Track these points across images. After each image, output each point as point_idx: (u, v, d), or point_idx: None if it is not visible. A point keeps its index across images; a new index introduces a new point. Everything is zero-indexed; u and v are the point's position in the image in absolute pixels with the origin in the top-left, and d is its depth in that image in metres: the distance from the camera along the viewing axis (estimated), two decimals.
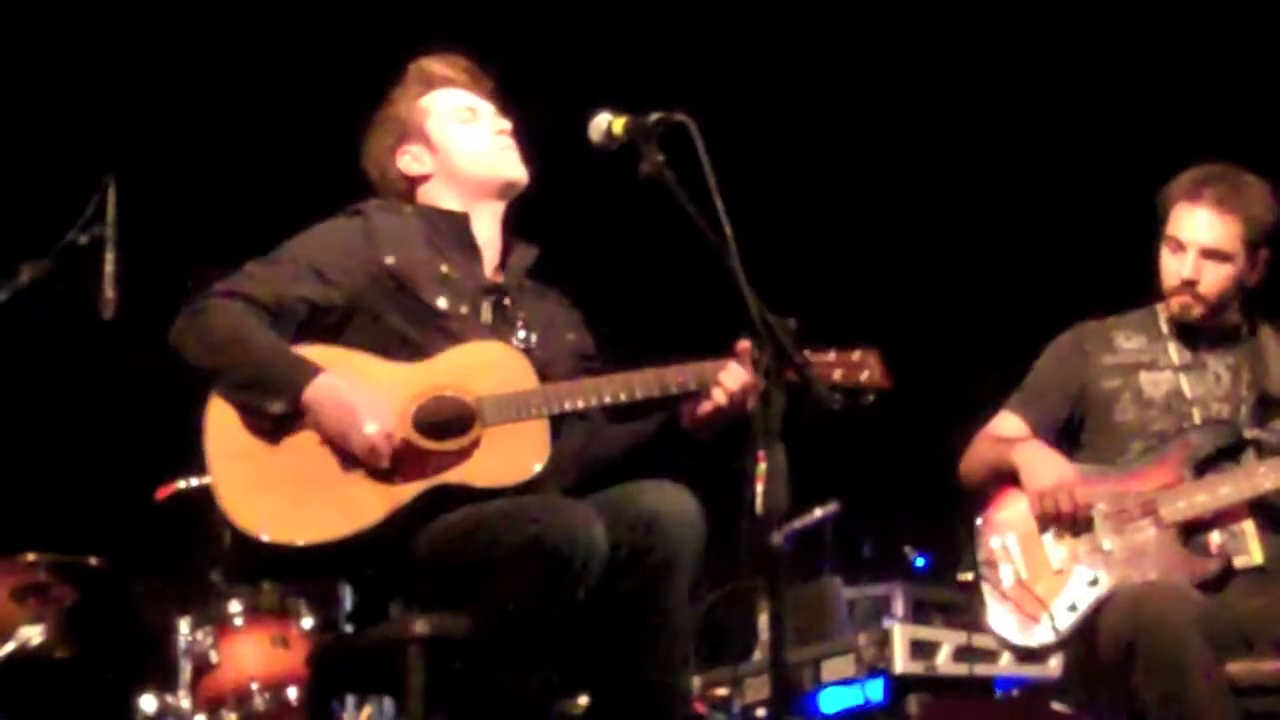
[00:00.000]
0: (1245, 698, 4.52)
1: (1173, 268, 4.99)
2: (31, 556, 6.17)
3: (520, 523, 3.93)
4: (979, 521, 5.03)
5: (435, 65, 4.58)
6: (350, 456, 4.09)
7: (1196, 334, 5.07)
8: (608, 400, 4.22)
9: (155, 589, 6.17)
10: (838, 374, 4.24)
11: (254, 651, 5.91)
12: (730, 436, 4.21)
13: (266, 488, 4.08)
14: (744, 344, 4.19)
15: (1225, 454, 4.92)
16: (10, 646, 5.99)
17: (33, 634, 6.04)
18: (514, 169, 4.50)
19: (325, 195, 4.39)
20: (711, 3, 7.70)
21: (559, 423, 4.25)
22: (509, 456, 4.15)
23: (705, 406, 4.23)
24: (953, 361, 7.37)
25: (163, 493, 6.03)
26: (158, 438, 4.22)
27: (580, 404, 4.22)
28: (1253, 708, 4.53)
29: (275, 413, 4.10)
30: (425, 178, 4.52)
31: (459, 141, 4.51)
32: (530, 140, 4.49)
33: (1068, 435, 5.09)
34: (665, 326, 4.33)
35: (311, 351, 4.21)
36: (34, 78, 7.19)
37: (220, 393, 4.15)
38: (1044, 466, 4.95)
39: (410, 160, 4.52)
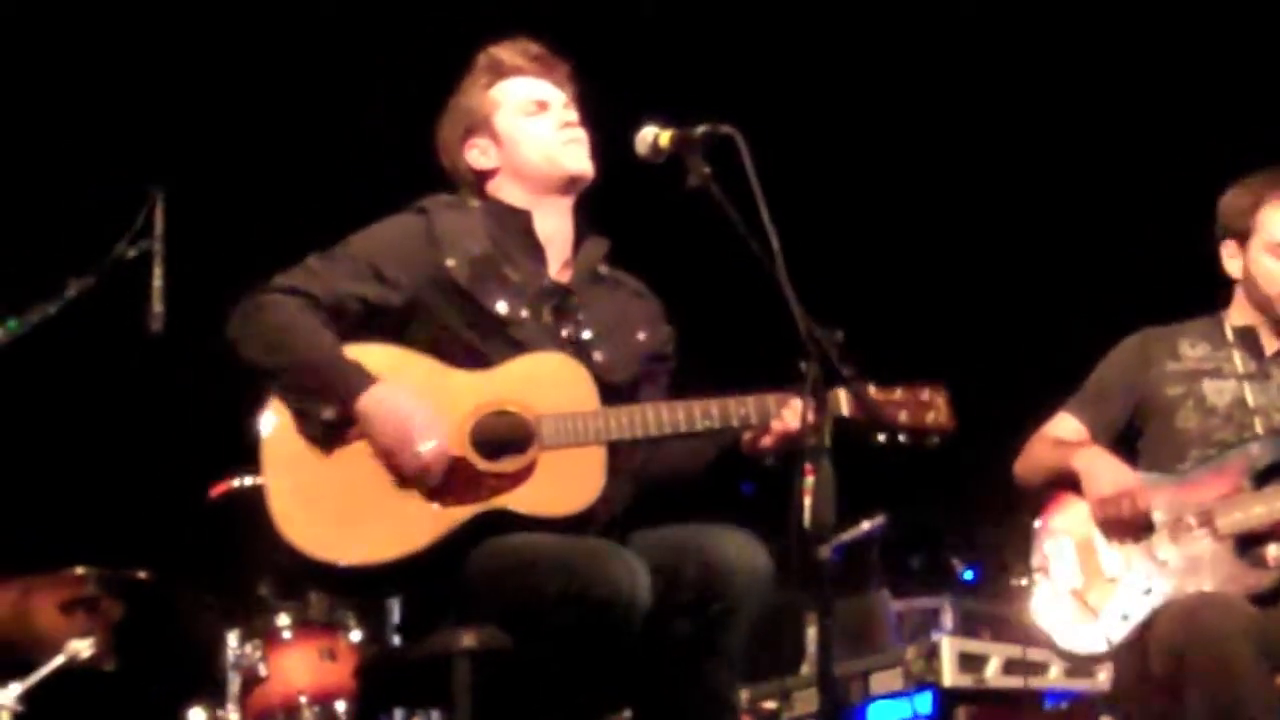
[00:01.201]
0: None
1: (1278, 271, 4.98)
2: (80, 570, 6.18)
3: (566, 572, 3.89)
4: (1035, 526, 5.01)
5: (505, 53, 4.50)
6: (402, 472, 4.08)
7: (1260, 343, 5.05)
8: (667, 431, 4.17)
9: (203, 602, 6.17)
10: (903, 415, 4.21)
11: (302, 664, 5.91)
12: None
13: (318, 500, 4.05)
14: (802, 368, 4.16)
15: None
16: (59, 660, 6.00)
17: (82, 647, 6.04)
18: (576, 162, 4.41)
19: (375, 206, 4.38)
20: (763, 16, 7.69)
21: (613, 446, 4.22)
22: (564, 486, 4.11)
23: (765, 441, 4.21)
24: (1002, 373, 7.34)
25: (216, 491, 6.02)
26: (205, 451, 4.21)
27: (639, 434, 4.16)
28: None
29: (326, 419, 4.07)
30: (493, 172, 4.46)
31: (524, 134, 4.43)
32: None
33: (1126, 440, 5.06)
34: (714, 339, 4.29)
35: (374, 352, 4.17)
36: (81, 92, 7.21)
37: (274, 391, 4.12)
38: (1106, 473, 4.92)
39: (478, 154, 4.46)
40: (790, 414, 4.16)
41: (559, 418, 4.14)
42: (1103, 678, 6.10)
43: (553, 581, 3.90)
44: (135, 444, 7.29)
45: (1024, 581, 4.96)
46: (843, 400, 4.09)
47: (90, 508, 7.05)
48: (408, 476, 4.06)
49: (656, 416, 4.18)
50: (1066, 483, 4.98)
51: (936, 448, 4.24)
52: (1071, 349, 5.30)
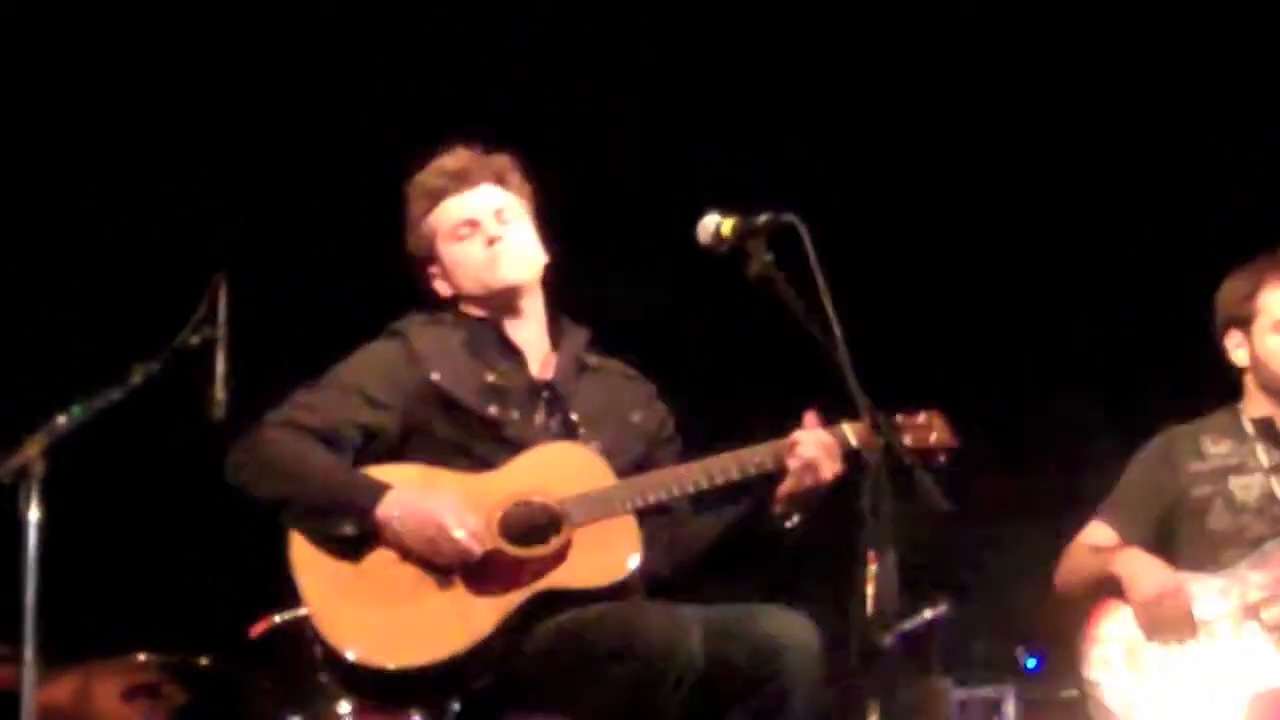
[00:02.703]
0: None
1: None
2: (142, 656, 6.19)
3: (617, 628, 3.92)
4: (1081, 637, 4.97)
5: (429, 177, 4.51)
6: (442, 570, 4.08)
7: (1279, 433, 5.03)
8: (690, 490, 4.22)
9: (264, 688, 6.16)
10: (908, 438, 4.23)
11: None
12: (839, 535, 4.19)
13: (364, 611, 4.10)
14: (811, 414, 4.18)
15: None
16: None
17: None
18: (504, 275, 4.43)
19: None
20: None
21: (641, 518, 4.23)
22: (605, 554, 4.15)
23: (786, 484, 4.21)
24: (1056, 452, 7.31)
25: (256, 630, 6.03)
26: (268, 538, 4.23)
27: (663, 495, 4.22)
28: None
29: (347, 535, 4.11)
30: (455, 295, 4.51)
31: (457, 260, 4.48)
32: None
33: (1160, 544, 5.03)
34: (761, 418, 4.31)
35: (382, 471, 4.22)
36: (146, 177, 7.26)
37: (290, 522, 4.17)
38: (1147, 575, 4.89)
39: (437, 281, 4.53)
40: (803, 447, 4.18)
41: (583, 497, 4.19)
42: None
43: (605, 639, 3.94)
44: (197, 530, 7.30)
45: (1074, 693, 4.94)
46: (849, 432, 4.12)
47: (153, 595, 7.06)
48: (449, 566, 4.08)
49: (676, 478, 4.25)
50: (1107, 589, 4.95)
51: (945, 467, 4.25)
52: (1124, 432, 5.29)
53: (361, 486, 4.17)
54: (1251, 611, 4.79)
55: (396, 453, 4.31)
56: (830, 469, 4.16)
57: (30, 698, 4.46)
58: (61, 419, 4.54)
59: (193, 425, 4.56)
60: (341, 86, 7.32)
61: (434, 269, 4.55)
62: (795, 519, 4.26)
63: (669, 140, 7.51)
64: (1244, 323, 5.05)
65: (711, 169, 7.21)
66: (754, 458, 4.24)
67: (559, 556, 4.15)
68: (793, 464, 4.19)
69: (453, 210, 4.47)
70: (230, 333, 4.63)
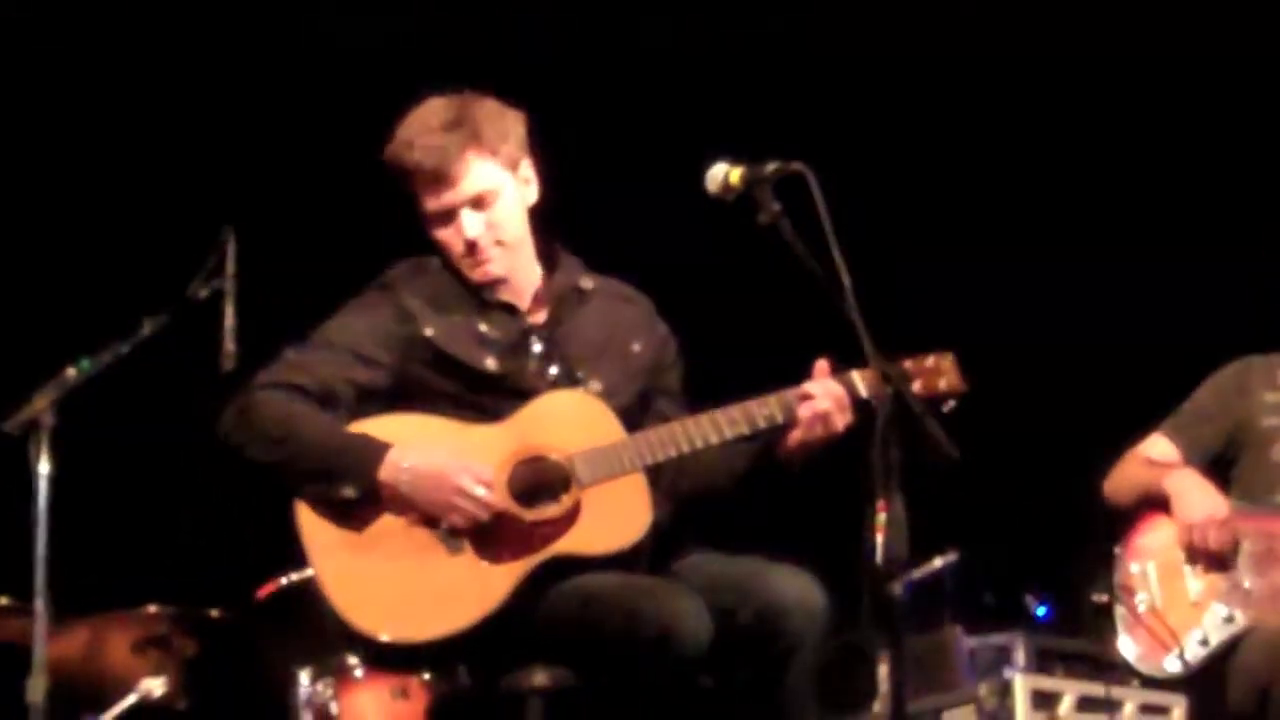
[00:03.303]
0: None
1: None
2: (153, 608, 6.21)
3: (624, 611, 3.92)
4: (1119, 545, 4.98)
5: (400, 156, 4.31)
6: (451, 534, 4.06)
7: None
8: (699, 445, 4.17)
9: (275, 640, 6.18)
10: (917, 385, 4.21)
11: (374, 703, 5.90)
12: (848, 484, 4.19)
13: (376, 582, 4.05)
14: (822, 363, 4.16)
15: None
16: (132, 699, 6.02)
17: (154, 686, 6.06)
18: (485, 274, 4.32)
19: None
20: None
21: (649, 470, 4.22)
22: (615, 519, 4.12)
23: (795, 435, 4.19)
24: (1074, 406, 7.30)
25: (264, 591, 6.04)
26: (278, 489, 4.21)
27: (672, 452, 4.16)
28: None
29: (348, 498, 4.05)
30: None
31: (440, 242, 4.34)
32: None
33: (1218, 467, 5.03)
34: (768, 369, 4.29)
35: (382, 422, 4.17)
36: (156, 130, 7.26)
37: (288, 486, 4.11)
38: (1198, 498, 4.90)
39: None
40: (815, 398, 4.15)
41: (590, 453, 4.14)
42: (1177, 715, 6.06)
43: (611, 621, 3.92)
44: (208, 482, 7.31)
45: (1104, 598, 4.94)
46: (859, 381, 4.11)
47: (163, 546, 7.07)
48: (460, 527, 4.05)
49: (686, 432, 4.18)
50: (1156, 503, 4.96)
51: (952, 412, 4.24)
52: (1151, 382, 5.28)
53: (360, 447, 4.09)
54: None
55: (393, 406, 4.24)
56: (841, 420, 4.13)
57: (42, 650, 4.48)
58: (71, 371, 4.55)
59: (203, 377, 4.57)
60: (350, 35, 7.30)
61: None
62: (799, 466, 4.24)
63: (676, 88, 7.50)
64: None
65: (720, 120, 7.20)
66: (763, 410, 4.19)
67: (569, 519, 4.10)
68: (803, 414, 4.17)
69: (427, 202, 4.31)
70: (240, 285, 4.63)
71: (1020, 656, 6.93)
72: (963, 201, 7.90)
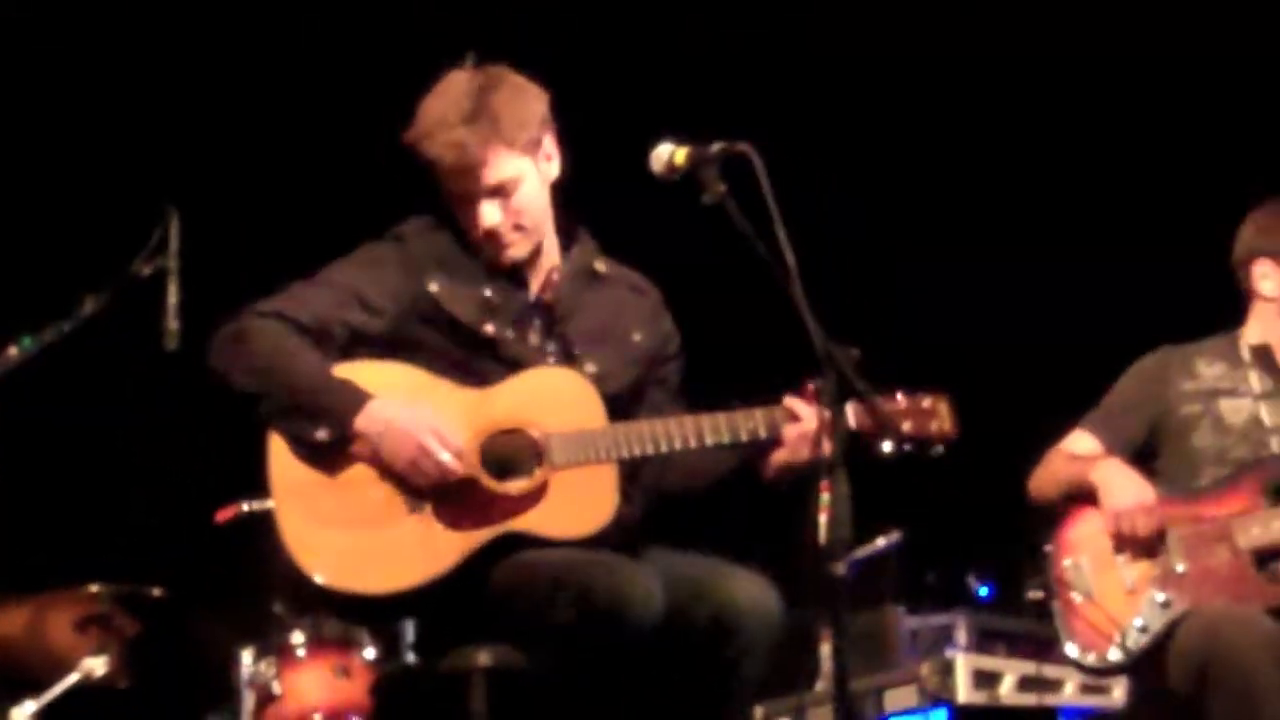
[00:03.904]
0: None
1: None
2: (94, 588, 6.18)
3: (576, 583, 3.91)
4: (1049, 541, 5.00)
5: (424, 150, 4.25)
6: (415, 493, 4.06)
7: (1276, 362, 5.06)
8: (677, 446, 4.16)
9: (218, 619, 6.17)
10: (907, 424, 4.21)
11: (316, 682, 5.90)
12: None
13: (331, 528, 4.04)
14: (810, 388, 4.15)
15: None
16: (74, 678, 6.00)
17: (96, 665, 6.04)
18: (505, 260, 4.29)
19: (393, 220, 4.37)
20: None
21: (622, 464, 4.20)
22: (578, 506, 4.11)
23: (780, 455, 4.20)
24: (1015, 390, 7.33)
25: (224, 515, 6.01)
26: (219, 468, 4.20)
27: (649, 449, 4.15)
28: None
29: (321, 440, 4.04)
30: None
31: (461, 221, 4.30)
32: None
33: (1141, 459, 5.06)
34: (729, 356, 4.29)
35: (368, 367, 4.15)
36: (96, 108, 7.22)
37: (265, 418, 4.08)
38: (1124, 486, 4.92)
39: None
40: (800, 422, 4.15)
41: (567, 436, 4.13)
42: (1118, 694, 6.10)
43: (563, 593, 3.91)
44: (150, 461, 7.29)
45: (1040, 595, 4.96)
46: (849, 414, 4.09)
47: (104, 525, 7.05)
48: (424, 488, 4.04)
49: (666, 432, 4.17)
50: (1082, 496, 4.98)
51: (940, 456, 4.25)
52: (1088, 366, 5.29)
53: (343, 392, 4.06)
54: (1223, 532, 4.80)
55: (383, 354, 4.20)
56: (828, 445, 4.12)
57: None
58: (12, 350, 4.52)
59: (144, 356, 4.55)
60: (294, 12, 7.27)
61: None
62: (784, 485, 4.24)
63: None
64: (1275, 253, 5.08)
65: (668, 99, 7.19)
66: (748, 423, 4.18)
67: (533, 497, 4.09)
68: (789, 435, 4.18)
69: (448, 184, 4.26)
70: (182, 263, 4.61)
71: (962, 636, 6.97)
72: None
